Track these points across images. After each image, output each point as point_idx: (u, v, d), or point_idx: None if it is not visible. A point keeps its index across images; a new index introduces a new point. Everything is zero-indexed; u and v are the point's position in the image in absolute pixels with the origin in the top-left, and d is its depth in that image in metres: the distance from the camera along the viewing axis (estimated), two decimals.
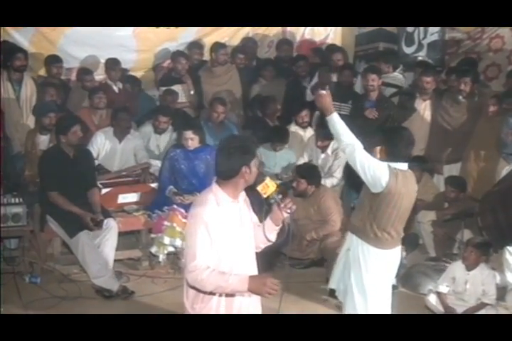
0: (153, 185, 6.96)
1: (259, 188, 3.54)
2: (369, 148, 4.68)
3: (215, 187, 3.58)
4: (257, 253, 3.80)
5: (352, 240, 4.86)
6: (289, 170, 7.36)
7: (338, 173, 7.31)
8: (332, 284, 5.41)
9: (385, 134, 4.75)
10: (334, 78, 8.24)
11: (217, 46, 8.37)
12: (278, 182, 7.18)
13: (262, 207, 7.02)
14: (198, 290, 3.55)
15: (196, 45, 8.62)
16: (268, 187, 3.54)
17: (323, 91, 4.67)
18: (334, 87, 8.01)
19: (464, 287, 5.64)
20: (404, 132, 4.77)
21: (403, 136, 4.68)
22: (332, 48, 8.85)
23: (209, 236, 3.44)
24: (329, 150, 7.34)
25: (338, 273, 5.21)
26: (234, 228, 3.55)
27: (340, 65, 8.27)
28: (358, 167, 4.52)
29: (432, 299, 5.75)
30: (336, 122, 4.58)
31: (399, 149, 4.58)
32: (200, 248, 3.43)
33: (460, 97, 7.26)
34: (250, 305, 3.71)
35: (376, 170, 4.48)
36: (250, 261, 3.71)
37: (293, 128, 7.78)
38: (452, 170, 7.41)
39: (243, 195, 3.71)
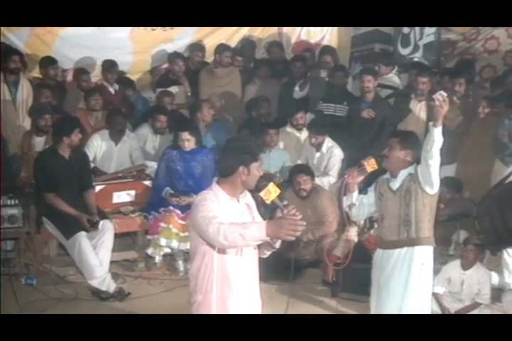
0: (147, 182, 6.96)
1: (261, 194, 3.51)
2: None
3: (214, 186, 3.66)
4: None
5: (423, 253, 4.89)
6: (285, 171, 7.36)
7: (334, 172, 7.32)
8: None
9: (407, 138, 4.80)
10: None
11: (221, 48, 8.40)
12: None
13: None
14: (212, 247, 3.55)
15: (198, 47, 8.63)
16: (270, 193, 3.51)
17: (442, 95, 4.47)
18: (326, 88, 8.09)
19: (461, 287, 5.64)
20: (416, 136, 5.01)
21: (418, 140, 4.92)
22: (324, 50, 8.87)
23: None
24: (324, 149, 7.36)
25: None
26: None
27: (333, 67, 8.31)
28: (434, 174, 4.63)
29: None
30: (437, 135, 4.50)
31: (419, 152, 4.72)
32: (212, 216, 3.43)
33: (455, 98, 7.27)
34: (249, 299, 3.75)
35: None
36: (251, 263, 3.73)
37: (288, 129, 7.77)
38: (447, 171, 7.41)
39: (246, 197, 3.74)
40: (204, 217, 3.43)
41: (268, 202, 3.52)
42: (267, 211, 7.08)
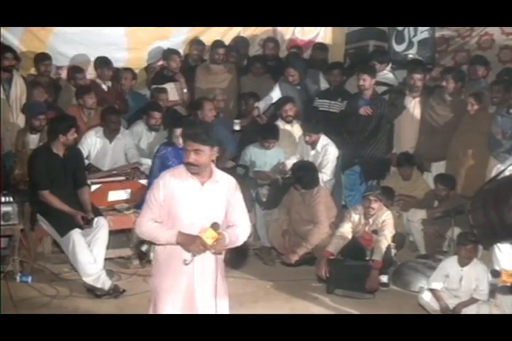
0: (143, 181, 6.94)
1: (202, 231, 3.77)
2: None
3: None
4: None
5: None
6: (278, 168, 7.36)
7: (327, 169, 7.29)
8: None
9: None
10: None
11: (214, 44, 8.41)
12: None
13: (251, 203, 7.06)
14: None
15: (198, 42, 8.62)
16: (208, 236, 3.75)
17: None
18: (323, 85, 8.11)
19: (459, 283, 5.60)
20: None
21: None
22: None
23: (158, 195, 3.90)
24: (319, 147, 7.34)
25: None
26: (184, 201, 3.89)
27: (330, 64, 8.35)
28: None
29: (427, 296, 5.69)
30: None
31: None
32: (146, 206, 3.95)
33: (447, 95, 7.30)
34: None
35: None
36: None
37: (280, 124, 7.71)
38: (440, 168, 7.45)
39: (216, 184, 3.95)
40: (143, 208, 3.97)
41: (205, 240, 3.76)
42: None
